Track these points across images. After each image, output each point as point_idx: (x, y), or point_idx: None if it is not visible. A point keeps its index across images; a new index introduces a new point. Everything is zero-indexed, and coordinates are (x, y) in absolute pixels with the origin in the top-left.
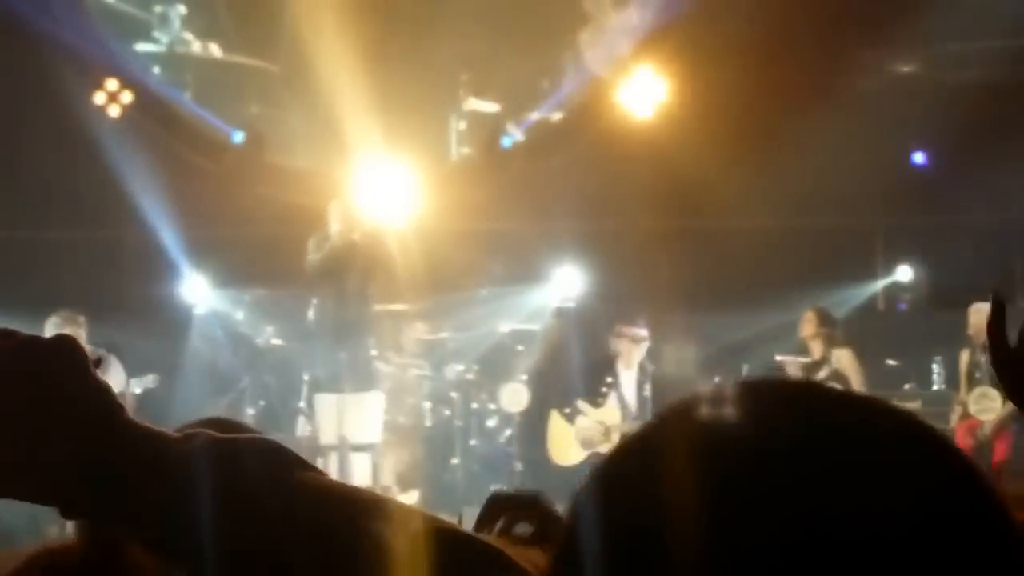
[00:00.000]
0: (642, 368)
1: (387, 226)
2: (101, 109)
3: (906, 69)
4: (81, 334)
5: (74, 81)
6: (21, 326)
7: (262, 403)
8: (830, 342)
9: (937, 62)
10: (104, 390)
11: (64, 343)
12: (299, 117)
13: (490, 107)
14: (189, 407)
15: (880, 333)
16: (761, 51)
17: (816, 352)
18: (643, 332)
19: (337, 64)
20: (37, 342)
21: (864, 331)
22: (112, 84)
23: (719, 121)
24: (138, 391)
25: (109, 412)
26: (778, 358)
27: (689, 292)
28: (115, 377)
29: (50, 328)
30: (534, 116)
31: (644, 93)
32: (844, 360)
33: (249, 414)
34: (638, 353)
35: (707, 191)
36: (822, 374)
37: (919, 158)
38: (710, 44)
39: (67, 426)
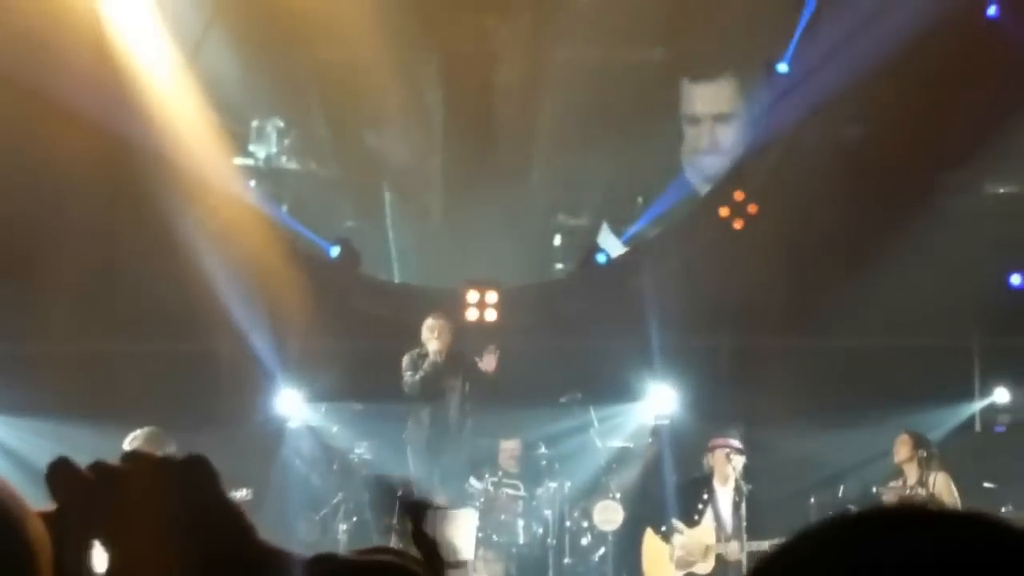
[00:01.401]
0: (737, 487)
1: (483, 343)
2: (199, 221)
3: (1003, 190)
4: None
5: (175, 195)
6: (118, 438)
7: (355, 519)
8: (926, 466)
9: None
10: (236, 508)
11: (197, 463)
12: (395, 232)
13: (585, 223)
14: (282, 522)
15: (977, 455)
16: (857, 171)
17: (912, 476)
18: (737, 443)
19: (434, 180)
20: (172, 462)
21: (961, 453)
22: (212, 198)
23: (815, 239)
24: None
25: (242, 529)
26: (875, 489)
27: (785, 411)
28: None
29: (132, 444)
30: (629, 232)
31: (740, 210)
32: (940, 484)
33: (342, 530)
34: (733, 468)
35: (802, 309)
36: (918, 499)
37: (1016, 279)
38: (806, 163)
39: (204, 542)
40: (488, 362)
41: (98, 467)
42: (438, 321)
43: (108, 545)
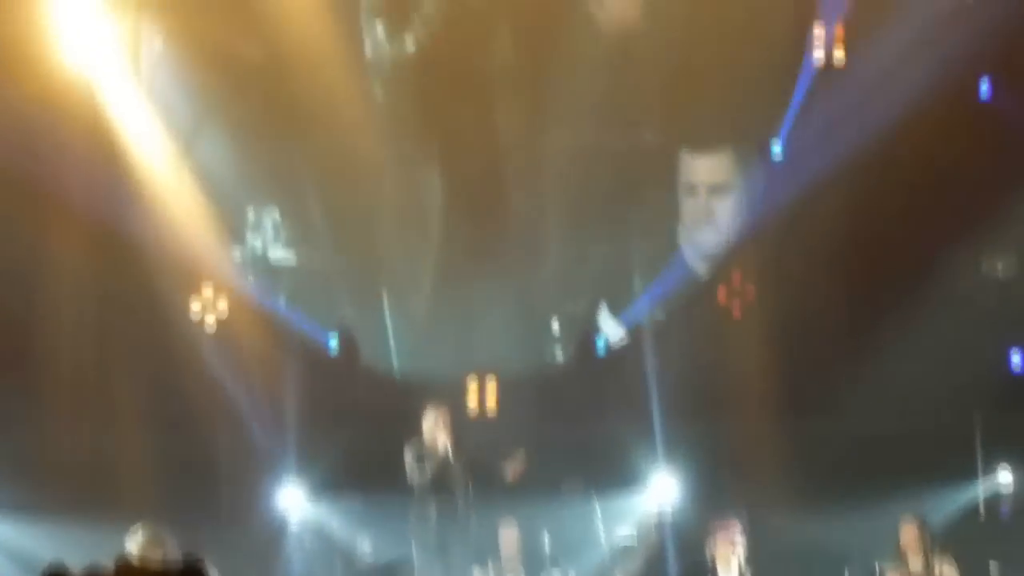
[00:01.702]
0: (740, 574)
1: (484, 433)
2: (196, 314)
3: (1000, 270)
4: (167, 552)
5: (170, 288)
6: (117, 535)
7: None
8: (930, 550)
9: None
10: None
11: (194, 569)
12: (394, 322)
13: (583, 308)
14: None
15: (982, 538)
16: (855, 252)
17: (916, 561)
18: (739, 529)
19: (433, 268)
20: (167, 569)
21: (965, 535)
22: (208, 291)
23: (813, 321)
24: None
25: None
26: (877, 565)
27: (787, 495)
28: None
29: (132, 545)
30: (628, 315)
31: (738, 293)
32: (945, 569)
33: None
34: (735, 555)
35: (803, 393)
36: None
37: (1016, 359)
38: (804, 245)
39: None
40: (513, 471)
41: (91, 573)
42: (438, 412)
43: None
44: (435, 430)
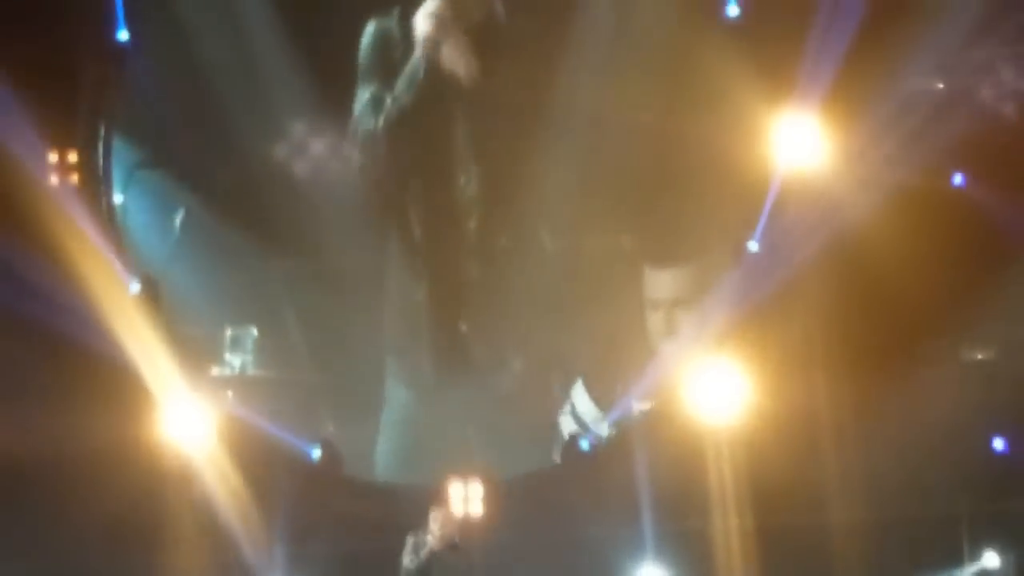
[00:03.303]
0: None
1: (472, 536)
2: (174, 437)
3: (981, 356)
4: None
5: (146, 408)
6: None
7: None
8: None
9: (1013, 348)
10: None
11: None
12: (377, 433)
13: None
14: None
15: None
16: (834, 344)
17: None
18: None
19: (412, 378)
20: None
21: None
22: (185, 413)
23: (796, 419)
24: None
25: None
26: None
27: None
28: None
29: None
30: (612, 415)
31: (721, 391)
32: None
33: None
34: None
35: (787, 489)
36: None
37: (999, 444)
38: (781, 341)
39: None
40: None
41: None
42: (440, 512)
43: None
44: (435, 529)
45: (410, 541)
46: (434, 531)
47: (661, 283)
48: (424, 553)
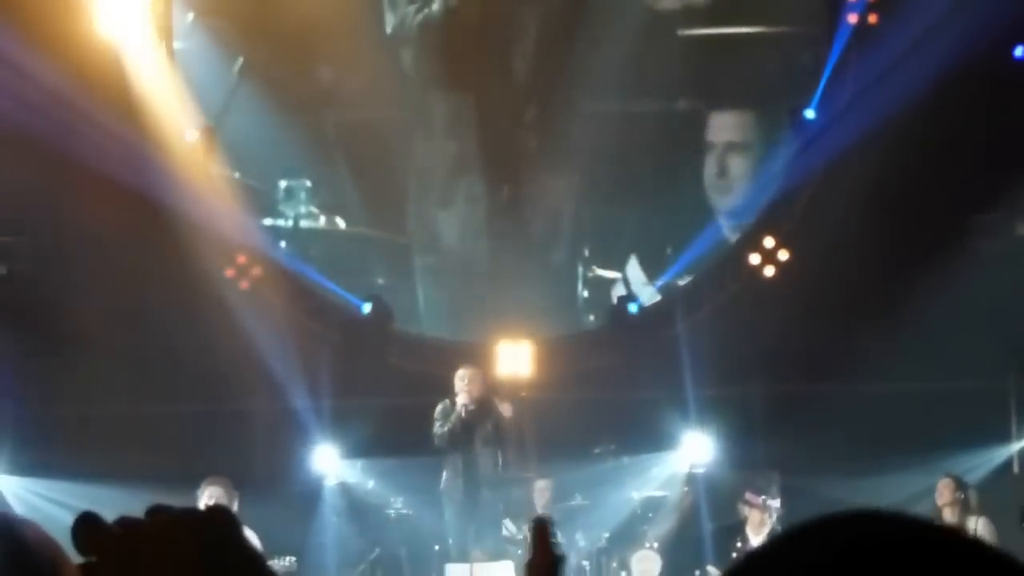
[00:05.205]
0: (772, 534)
1: (515, 394)
2: (231, 283)
3: None
4: (234, 504)
5: (204, 257)
6: (153, 500)
7: (393, 574)
8: (965, 509)
9: None
10: (257, 558)
11: (218, 514)
12: (424, 287)
13: (614, 274)
14: None
15: (1017, 497)
16: (888, 215)
17: (952, 520)
18: (772, 503)
19: (463, 233)
20: (193, 514)
21: (1000, 496)
22: (242, 259)
23: (847, 284)
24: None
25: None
26: None
27: (820, 457)
28: None
29: (207, 496)
30: (660, 281)
31: (771, 256)
32: (980, 528)
33: None
34: (768, 517)
35: (836, 354)
36: None
37: None
38: (836, 208)
39: None
40: (505, 408)
41: (123, 522)
42: (469, 371)
43: None
44: (464, 390)
45: (439, 408)
46: (463, 394)
47: (718, 125)
48: (454, 418)
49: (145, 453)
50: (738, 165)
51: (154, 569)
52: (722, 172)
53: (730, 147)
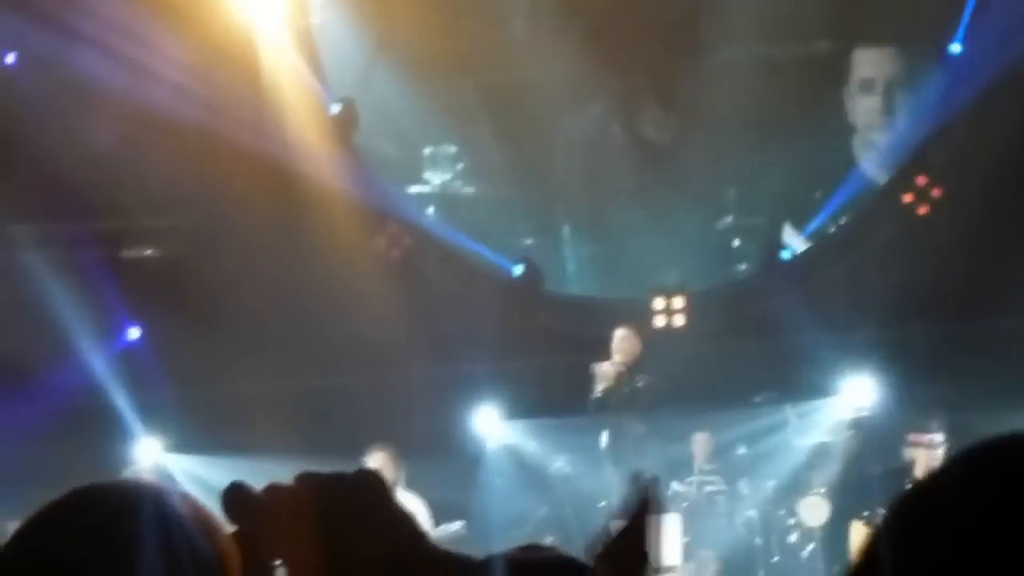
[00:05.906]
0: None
1: (673, 350)
2: (383, 252)
3: None
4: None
5: (353, 229)
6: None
7: (559, 534)
8: None
9: None
10: (406, 518)
11: (368, 477)
12: (574, 246)
13: (763, 222)
14: (486, 542)
15: None
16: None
17: None
18: (937, 438)
19: (611, 191)
20: (343, 477)
21: None
22: (391, 228)
23: (1002, 218)
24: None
25: (412, 537)
26: None
27: (985, 394)
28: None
29: (373, 464)
30: (810, 227)
31: (924, 195)
32: None
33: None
34: (934, 459)
35: (994, 290)
36: None
37: None
38: (988, 143)
39: (374, 551)
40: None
41: (271, 489)
42: (624, 332)
43: (287, 563)
44: (619, 350)
45: (597, 370)
46: (620, 353)
47: (872, 62)
48: (613, 374)
49: (308, 427)
50: (886, 104)
51: (300, 534)
52: (868, 112)
53: (875, 85)
